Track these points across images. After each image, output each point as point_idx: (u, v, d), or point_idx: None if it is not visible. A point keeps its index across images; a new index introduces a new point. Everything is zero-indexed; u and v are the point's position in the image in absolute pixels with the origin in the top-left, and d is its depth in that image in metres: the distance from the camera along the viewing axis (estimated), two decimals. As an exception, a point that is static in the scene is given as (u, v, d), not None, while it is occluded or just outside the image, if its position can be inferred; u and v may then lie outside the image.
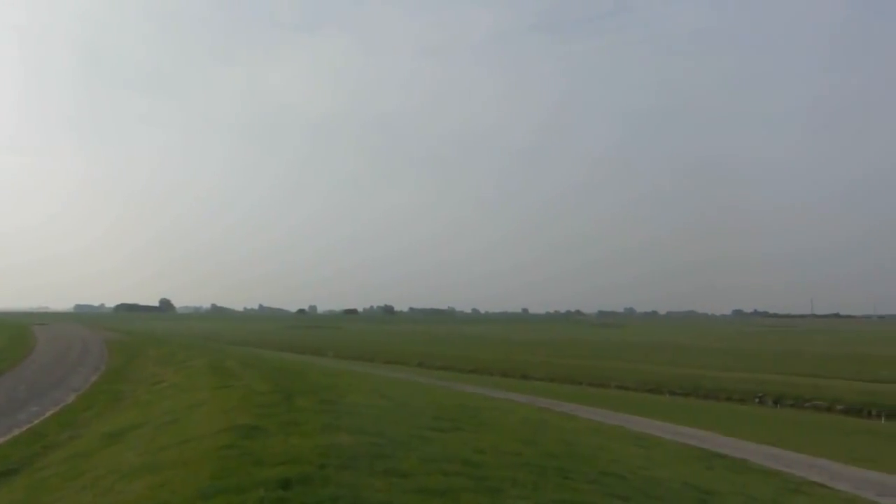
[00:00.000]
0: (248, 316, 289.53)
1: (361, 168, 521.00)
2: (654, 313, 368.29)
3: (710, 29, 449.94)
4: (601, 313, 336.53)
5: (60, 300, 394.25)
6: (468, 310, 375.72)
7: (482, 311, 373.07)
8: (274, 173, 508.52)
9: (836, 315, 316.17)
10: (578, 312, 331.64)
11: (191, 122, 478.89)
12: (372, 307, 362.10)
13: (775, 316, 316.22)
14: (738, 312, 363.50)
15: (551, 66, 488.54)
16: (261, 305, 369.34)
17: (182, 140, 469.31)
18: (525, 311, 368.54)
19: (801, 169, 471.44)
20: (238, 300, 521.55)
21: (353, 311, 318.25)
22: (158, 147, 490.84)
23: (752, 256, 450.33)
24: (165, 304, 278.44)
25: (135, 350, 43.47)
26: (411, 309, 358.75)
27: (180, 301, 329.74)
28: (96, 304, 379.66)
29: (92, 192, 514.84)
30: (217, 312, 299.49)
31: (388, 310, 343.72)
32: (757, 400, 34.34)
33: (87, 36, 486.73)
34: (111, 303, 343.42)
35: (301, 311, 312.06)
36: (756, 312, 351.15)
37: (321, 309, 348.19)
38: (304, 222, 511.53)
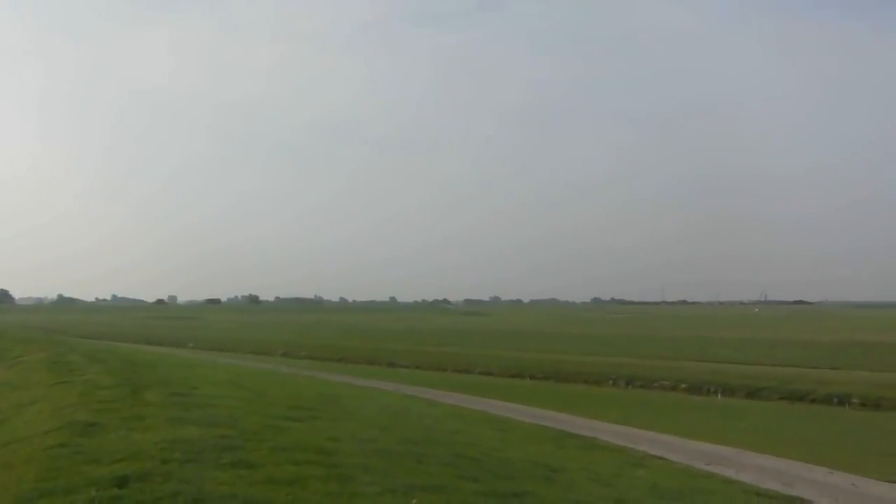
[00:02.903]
0: (100, 307, 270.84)
1: (218, 152, 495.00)
2: (519, 301, 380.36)
3: (582, 26, 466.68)
4: (467, 301, 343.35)
5: None
6: (336, 299, 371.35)
7: (350, 300, 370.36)
8: (119, 155, 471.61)
9: (684, 302, 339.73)
10: (445, 301, 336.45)
11: (28, 98, 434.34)
12: (236, 297, 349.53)
13: (630, 303, 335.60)
14: (596, 300, 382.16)
15: (422, 57, 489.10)
16: (114, 296, 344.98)
17: (19, 119, 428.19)
18: (393, 299, 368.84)
19: (650, 166, 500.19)
20: (89, 290, 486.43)
21: (215, 301, 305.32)
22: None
23: (608, 249, 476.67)
24: (2, 295, 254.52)
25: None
26: (277, 298, 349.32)
27: (21, 291, 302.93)
28: None
29: None
30: (65, 304, 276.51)
31: (253, 299, 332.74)
32: (611, 382, 36.24)
33: None
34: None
35: (160, 302, 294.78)
36: (613, 300, 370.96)
37: (182, 299, 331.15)
38: (156, 207, 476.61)
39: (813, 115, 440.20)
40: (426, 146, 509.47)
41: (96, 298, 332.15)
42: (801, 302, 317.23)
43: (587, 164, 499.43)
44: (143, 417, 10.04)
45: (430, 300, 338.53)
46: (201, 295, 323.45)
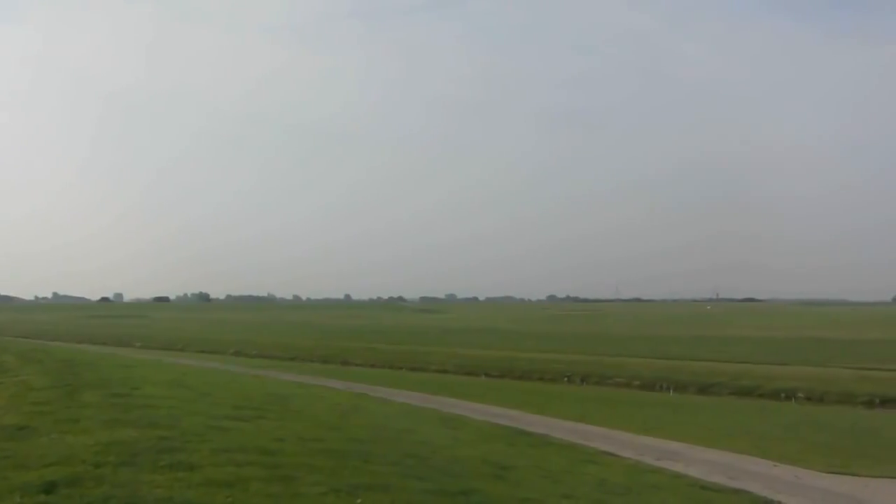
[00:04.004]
0: (40, 305, 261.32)
1: (164, 144, 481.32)
2: (475, 299, 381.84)
3: (529, 25, 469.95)
4: (423, 299, 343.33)
5: None
6: (289, 297, 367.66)
7: (303, 298, 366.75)
8: (71, 145, 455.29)
9: (638, 299, 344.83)
10: (401, 299, 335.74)
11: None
12: (186, 295, 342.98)
13: (585, 300, 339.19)
14: (551, 297, 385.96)
15: (368, 52, 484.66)
16: (56, 293, 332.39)
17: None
18: (347, 297, 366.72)
19: (602, 164, 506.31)
20: (27, 287, 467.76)
21: (164, 299, 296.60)
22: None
23: (563, 247, 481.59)
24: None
25: None
26: (229, 296, 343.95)
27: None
28: None
29: None
30: (1, 302, 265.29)
31: (204, 297, 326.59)
32: (566, 379, 36.58)
33: None
34: None
35: (104, 300, 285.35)
36: (568, 297, 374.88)
37: (128, 297, 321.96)
38: (100, 202, 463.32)
39: (763, 114, 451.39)
40: (373, 138, 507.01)
41: (36, 297, 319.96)
42: (750, 299, 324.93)
43: (538, 161, 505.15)
44: (78, 420, 9.66)
45: (386, 298, 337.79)
46: (149, 293, 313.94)
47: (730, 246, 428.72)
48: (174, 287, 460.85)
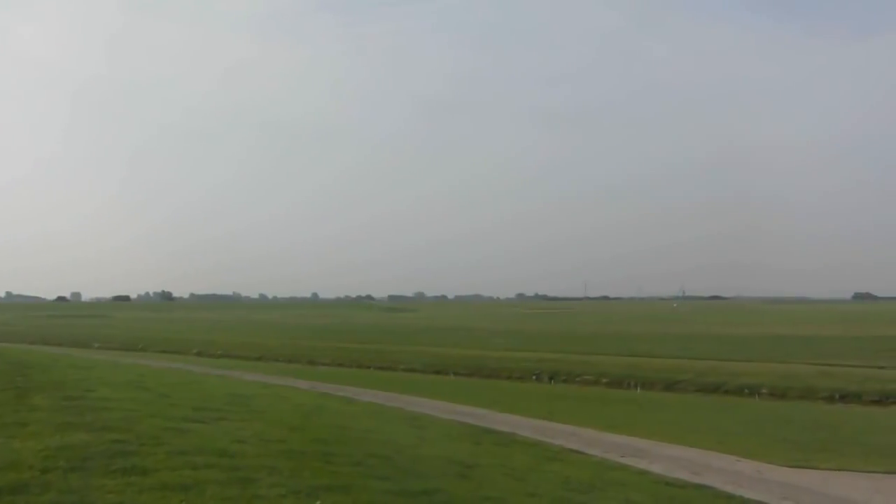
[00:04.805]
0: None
1: (119, 139, 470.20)
2: (444, 297, 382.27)
3: (500, 23, 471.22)
4: (392, 298, 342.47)
5: None
6: (255, 295, 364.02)
7: (270, 296, 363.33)
8: (30, 139, 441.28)
9: (606, 297, 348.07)
10: (369, 297, 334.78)
11: None
12: (147, 294, 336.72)
13: (554, 299, 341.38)
14: (520, 296, 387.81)
15: (338, 47, 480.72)
16: (8, 293, 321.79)
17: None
18: (315, 296, 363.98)
19: (571, 164, 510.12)
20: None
21: (124, 298, 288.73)
22: None
23: (532, 245, 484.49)
24: None
25: None
26: (192, 295, 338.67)
27: None
28: None
29: None
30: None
31: (166, 296, 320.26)
32: (535, 377, 36.62)
33: None
34: None
35: (61, 299, 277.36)
36: (537, 296, 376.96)
37: (86, 296, 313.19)
38: (55, 197, 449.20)
39: (725, 113, 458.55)
40: (339, 133, 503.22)
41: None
42: (716, 297, 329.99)
43: (510, 160, 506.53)
44: (27, 424, 9.31)
45: (354, 296, 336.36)
46: (108, 292, 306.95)
47: (698, 247, 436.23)
48: (135, 286, 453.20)
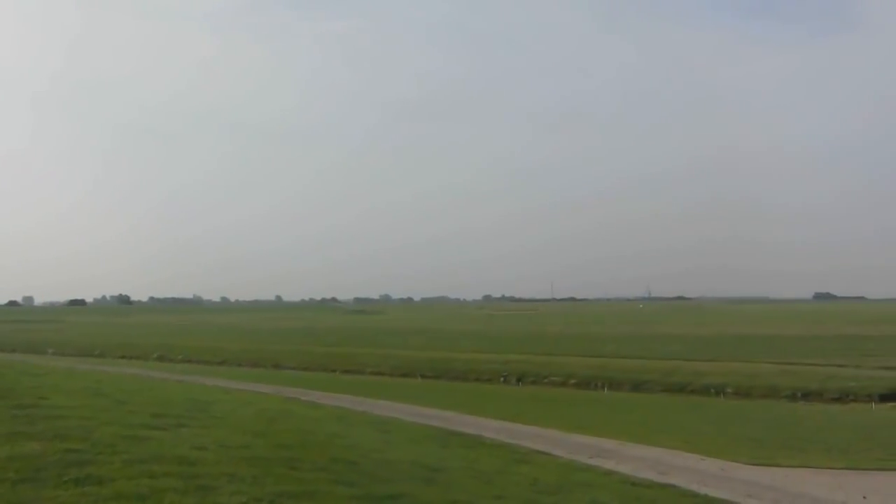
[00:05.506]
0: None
1: (74, 137, 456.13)
2: (410, 300, 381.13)
3: (467, 20, 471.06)
4: (357, 300, 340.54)
5: None
6: (217, 298, 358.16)
7: (232, 299, 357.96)
8: None
9: (573, 299, 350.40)
10: (334, 300, 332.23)
11: None
12: (104, 297, 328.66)
13: (521, 300, 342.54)
14: (487, 297, 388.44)
15: (304, 43, 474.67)
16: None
17: None
18: (279, 298, 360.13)
19: (543, 172, 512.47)
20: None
21: (80, 303, 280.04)
22: None
23: (498, 248, 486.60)
24: None
25: None
26: (152, 298, 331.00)
27: None
28: None
29: None
30: None
31: (124, 300, 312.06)
32: (502, 379, 36.63)
33: None
34: None
35: (13, 303, 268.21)
36: (504, 297, 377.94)
37: (39, 300, 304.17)
38: (8, 196, 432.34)
39: (693, 123, 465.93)
40: (304, 136, 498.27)
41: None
42: (681, 298, 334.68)
43: (478, 166, 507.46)
44: (-26, 434, 8.93)
45: (319, 299, 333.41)
46: (63, 296, 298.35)
47: (664, 251, 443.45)
48: (91, 289, 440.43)
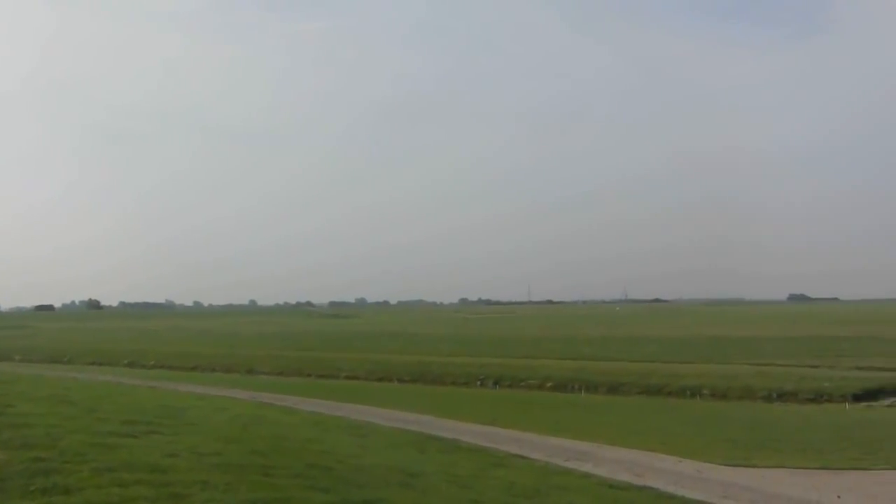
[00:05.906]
0: None
1: (40, 138, 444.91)
2: (386, 303, 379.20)
3: (444, 20, 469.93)
4: (332, 304, 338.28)
5: None
6: (189, 303, 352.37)
7: (205, 303, 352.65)
8: None
9: (550, 301, 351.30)
10: (309, 304, 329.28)
11: None
12: (73, 302, 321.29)
13: (498, 303, 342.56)
14: (463, 300, 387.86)
15: (277, 43, 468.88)
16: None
17: None
18: (253, 302, 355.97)
19: (520, 176, 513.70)
20: None
21: (47, 308, 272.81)
22: None
23: (475, 251, 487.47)
24: None
25: None
26: (122, 303, 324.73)
27: None
28: None
29: None
30: None
31: (94, 305, 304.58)
32: (479, 382, 36.54)
33: None
34: None
35: None
36: (480, 300, 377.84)
37: (5, 306, 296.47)
38: None
39: (657, 117, 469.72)
40: (279, 138, 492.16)
41: None
42: (658, 300, 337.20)
43: (454, 170, 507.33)
44: (-64, 443, 8.66)
45: (293, 303, 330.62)
46: (30, 301, 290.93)
47: (640, 254, 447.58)
48: (59, 294, 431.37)
